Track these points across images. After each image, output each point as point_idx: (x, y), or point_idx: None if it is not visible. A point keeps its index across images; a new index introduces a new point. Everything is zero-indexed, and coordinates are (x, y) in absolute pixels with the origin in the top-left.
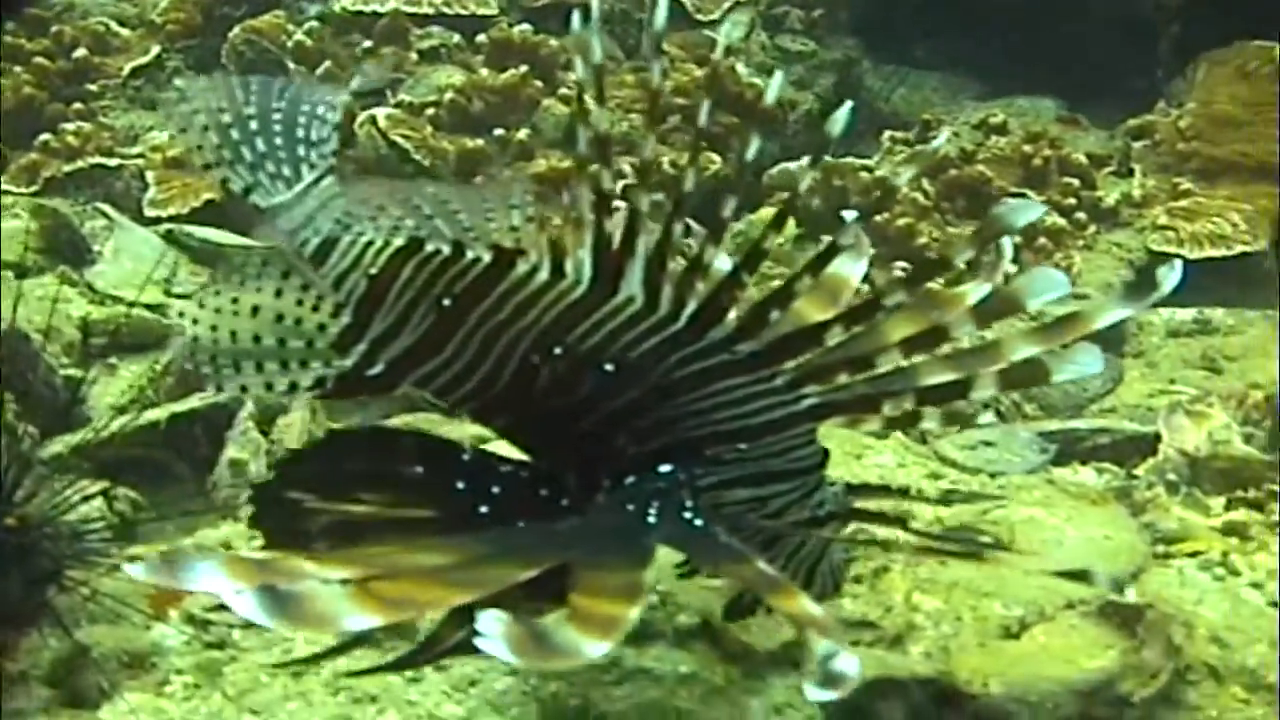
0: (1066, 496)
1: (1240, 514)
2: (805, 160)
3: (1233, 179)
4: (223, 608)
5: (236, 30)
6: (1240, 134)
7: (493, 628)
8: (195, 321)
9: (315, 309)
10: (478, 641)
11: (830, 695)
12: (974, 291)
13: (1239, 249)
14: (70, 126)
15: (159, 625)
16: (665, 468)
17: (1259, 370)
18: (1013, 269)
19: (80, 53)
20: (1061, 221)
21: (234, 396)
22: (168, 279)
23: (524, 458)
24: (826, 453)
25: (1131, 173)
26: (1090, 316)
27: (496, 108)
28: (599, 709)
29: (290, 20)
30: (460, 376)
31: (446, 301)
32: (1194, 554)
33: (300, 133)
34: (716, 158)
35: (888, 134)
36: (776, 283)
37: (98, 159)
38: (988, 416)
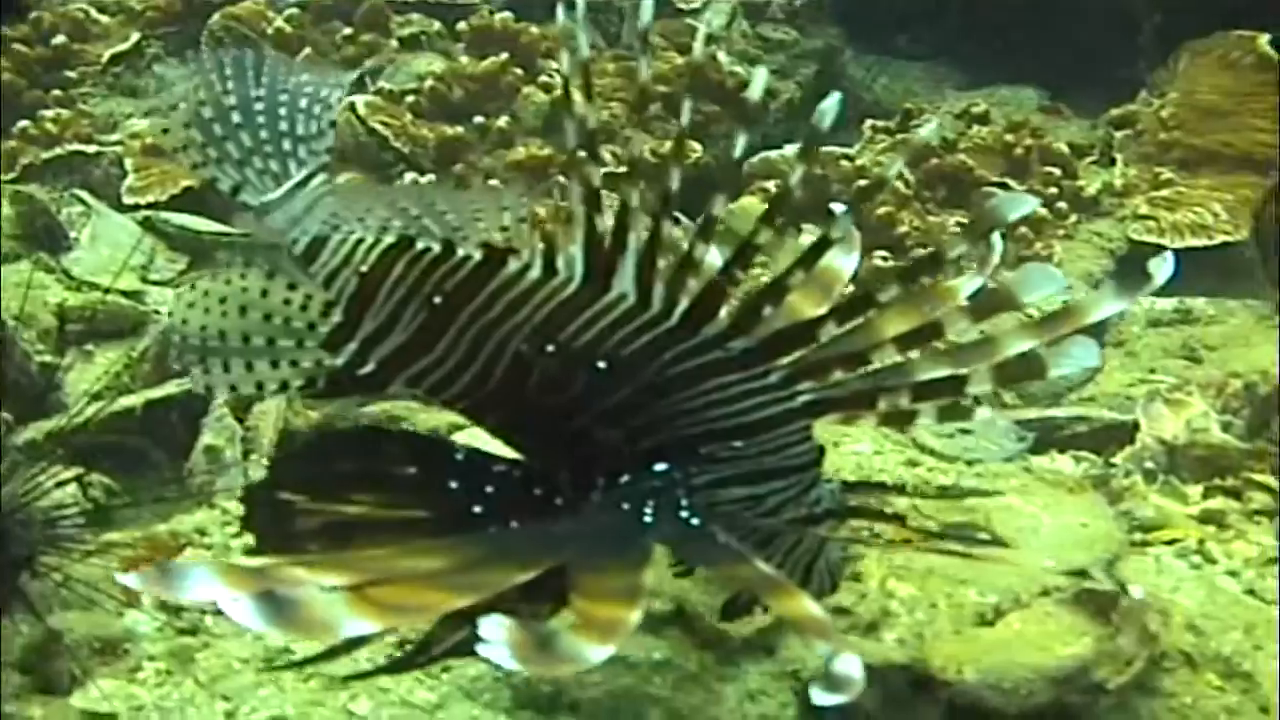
0: (1043, 484)
1: (1217, 502)
2: (788, 149)
3: (1214, 169)
4: None
5: (216, 17)
6: (1222, 124)
7: (495, 633)
8: (184, 321)
9: (304, 307)
10: (480, 648)
11: (837, 699)
12: (967, 284)
13: (1220, 239)
14: (49, 113)
15: (131, 611)
16: (660, 466)
17: (1239, 360)
18: (997, 259)
19: (59, 39)
20: (1042, 211)
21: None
22: (145, 266)
23: (517, 457)
24: (822, 450)
25: (1113, 162)
26: (1084, 310)
27: (477, 95)
28: (572, 695)
29: (270, 7)
30: (452, 375)
31: (437, 299)
32: (1171, 542)
33: (290, 125)
34: (698, 146)
35: (869, 123)
36: (766, 277)
37: (76, 146)
38: (983, 412)
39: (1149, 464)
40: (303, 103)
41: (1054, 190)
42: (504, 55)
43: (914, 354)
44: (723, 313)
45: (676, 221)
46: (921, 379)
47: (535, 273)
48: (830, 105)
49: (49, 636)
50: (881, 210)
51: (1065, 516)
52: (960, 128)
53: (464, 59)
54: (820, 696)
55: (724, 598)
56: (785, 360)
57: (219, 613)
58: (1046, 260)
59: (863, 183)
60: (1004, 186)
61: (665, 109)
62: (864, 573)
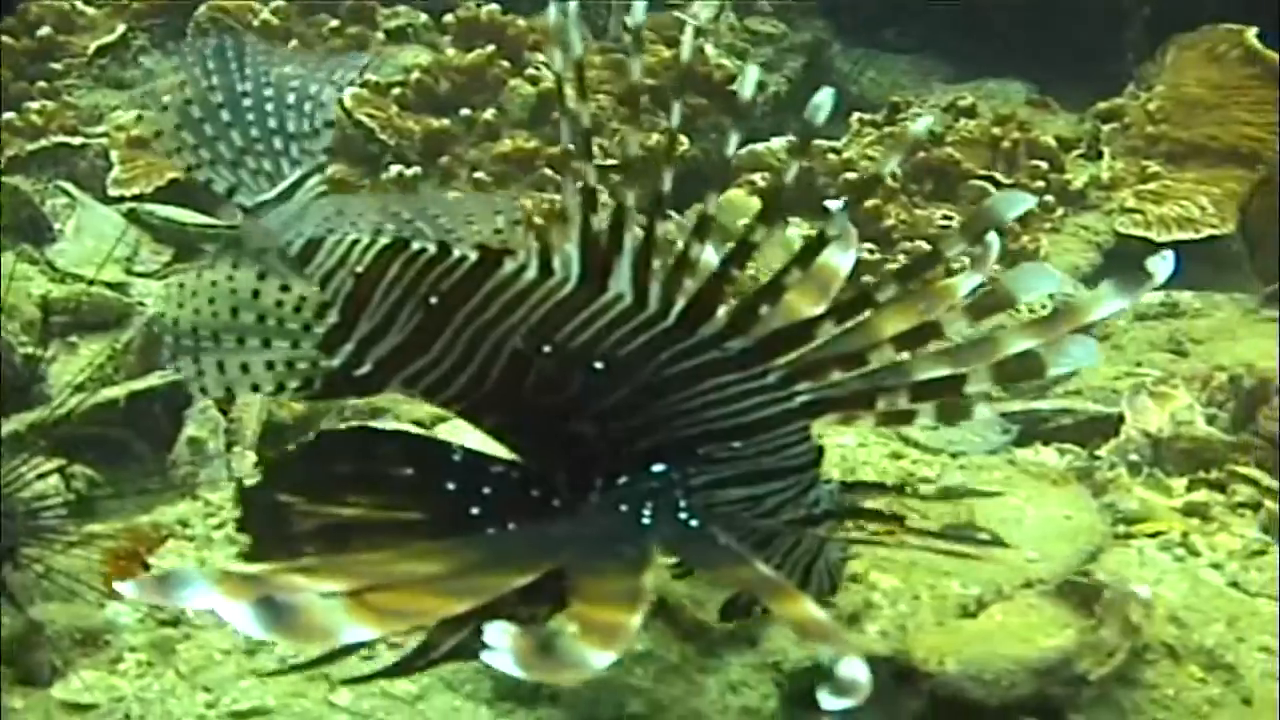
0: (1027, 477)
1: (1201, 495)
2: (775, 143)
3: (1201, 162)
4: None
5: (202, 8)
6: (1209, 117)
7: (500, 640)
8: (175, 323)
9: (298, 309)
10: (484, 655)
11: (845, 703)
12: (965, 282)
13: (1207, 232)
14: (34, 105)
15: (113, 603)
16: (658, 467)
17: (1225, 353)
18: (994, 257)
19: (45, 31)
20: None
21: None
22: (129, 257)
23: (515, 458)
24: (821, 450)
25: (1100, 155)
26: (1085, 308)
27: (463, 87)
28: (552, 687)
29: None
30: (448, 376)
31: (434, 300)
32: (1154, 534)
33: (281, 122)
34: (685, 140)
35: (856, 116)
36: (756, 271)
37: (62, 138)
38: (983, 411)
39: (1133, 457)
40: (294, 98)
41: (1041, 184)
42: (490, 47)
43: (913, 353)
44: (720, 312)
45: (667, 218)
46: (921, 379)
47: (531, 273)
48: (824, 100)
49: (30, 628)
50: (869, 203)
51: (1049, 509)
52: (947, 121)
53: (450, 51)
54: (828, 701)
55: (708, 591)
56: (783, 360)
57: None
58: (1034, 254)
59: (850, 175)
60: (991, 180)
61: (653, 102)
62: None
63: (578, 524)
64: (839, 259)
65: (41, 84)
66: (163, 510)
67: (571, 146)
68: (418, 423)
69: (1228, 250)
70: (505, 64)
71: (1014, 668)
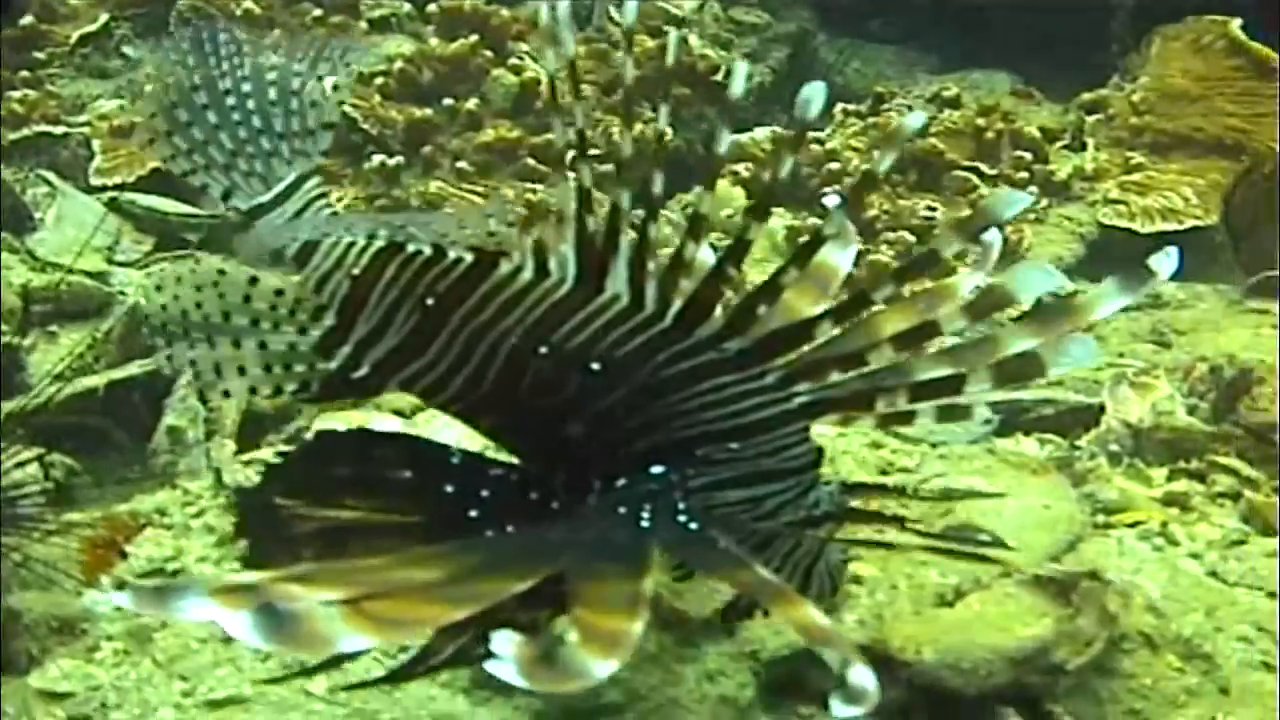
0: (1007, 466)
1: (1181, 485)
2: (759, 133)
3: (1185, 153)
4: (155, 574)
5: None
6: (1193, 108)
7: (505, 649)
8: (169, 325)
9: (293, 312)
10: (489, 664)
11: (855, 711)
12: (966, 281)
13: (1191, 223)
14: (16, 94)
15: (90, 591)
16: (656, 469)
17: (1208, 344)
18: (996, 256)
19: (27, 20)
20: (1002, 190)
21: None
22: (110, 247)
23: (513, 460)
24: (820, 451)
25: (1084, 146)
26: (1087, 307)
27: (446, 77)
28: None
29: None
30: (445, 377)
31: (430, 302)
32: (1134, 524)
33: (268, 120)
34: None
35: (840, 107)
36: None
37: (44, 127)
38: (983, 412)
39: (1114, 447)
40: (281, 92)
41: (1024, 174)
42: (474, 37)
43: (914, 353)
44: (718, 312)
45: (659, 218)
46: (920, 379)
47: (527, 274)
48: (818, 96)
49: (7, 616)
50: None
51: (1028, 498)
52: (932, 112)
53: (433, 41)
54: (840, 709)
55: (689, 583)
56: (782, 361)
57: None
58: (1018, 245)
59: (833, 165)
60: (975, 171)
61: (639, 93)
62: None
63: (576, 527)
64: (838, 257)
65: (24, 73)
66: (141, 499)
67: (566, 146)
68: (398, 412)
69: (1211, 241)
70: (488, 54)
71: (991, 657)
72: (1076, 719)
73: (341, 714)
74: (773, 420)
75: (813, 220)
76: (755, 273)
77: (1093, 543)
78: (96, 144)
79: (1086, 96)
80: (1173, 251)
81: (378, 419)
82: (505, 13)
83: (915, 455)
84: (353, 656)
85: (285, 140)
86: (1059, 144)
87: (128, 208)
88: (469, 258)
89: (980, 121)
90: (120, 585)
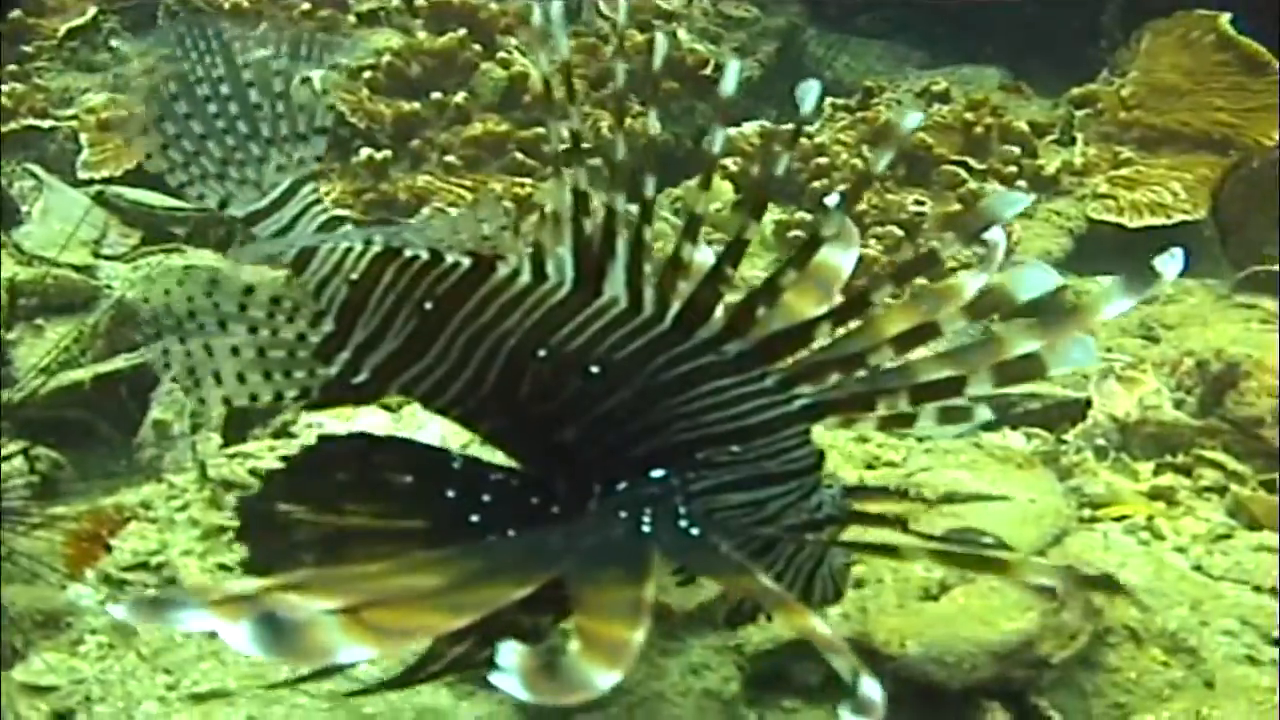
0: (993, 460)
1: (1168, 479)
2: (747, 127)
3: (1174, 148)
4: (139, 568)
5: None
6: (1182, 103)
7: (509, 660)
8: (166, 338)
9: (291, 319)
10: (493, 676)
11: None
12: (970, 282)
13: (1179, 218)
14: (4, 88)
15: (74, 585)
16: (657, 473)
17: (1196, 338)
18: (1001, 256)
19: (15, 13)
20: (1001, 190)
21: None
22: (97, 240)
23: (514, 465)
24: (822, 454)
25: (1073, 141)
26: (1091, 309)
27: (434, 71)
28: None
29: None
30: (444, 382)
31: (428, 306)
32: (1120, 518)
33: (256, 124)
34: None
35: (829, 101)
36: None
37: (32, 121)
38: (984, 413)
39: (1100, 441)
40: (272, 92)
41: (1013, 169)
42: (462, 31)
43: (917, 356)
44: (719, 314)
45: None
46: (921, 380)
47: (525, 278)
48: (812, 92)
49: None
50: (840, 188)
51: (1014, 492)
52: (921, 106)
53: (422, 34)
54: (849, 719)
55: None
56: (782, 363)
57: (162, 585)
58: (1006, 239)
59: (822, 160)
60: (964, 165)
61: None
62: None
63: (577, 532)
64: (840, 258)
65: (12, 66)
66: (127, 493)
67: (560, 148)
68: (385, 406)
69: (1200, 236)
70: (477, 47)
71: (975, 650)
72: (1061, 713)
73: (325, 707)
74: (773, 423)
75: (800, 215)
76: (743, 267)
77: (1078, 537)
78: (84, 138)
79: (1076, 91)
80: (1178, 253)
81: (364, 414)
82: (494, 6)
83: (901, 449)
84: (351, 665)
85: (278, 145)
86: (1048, 138)
87: (115, 201)
88: (466, 262)
89: (969, 116)
90: (105, 579)
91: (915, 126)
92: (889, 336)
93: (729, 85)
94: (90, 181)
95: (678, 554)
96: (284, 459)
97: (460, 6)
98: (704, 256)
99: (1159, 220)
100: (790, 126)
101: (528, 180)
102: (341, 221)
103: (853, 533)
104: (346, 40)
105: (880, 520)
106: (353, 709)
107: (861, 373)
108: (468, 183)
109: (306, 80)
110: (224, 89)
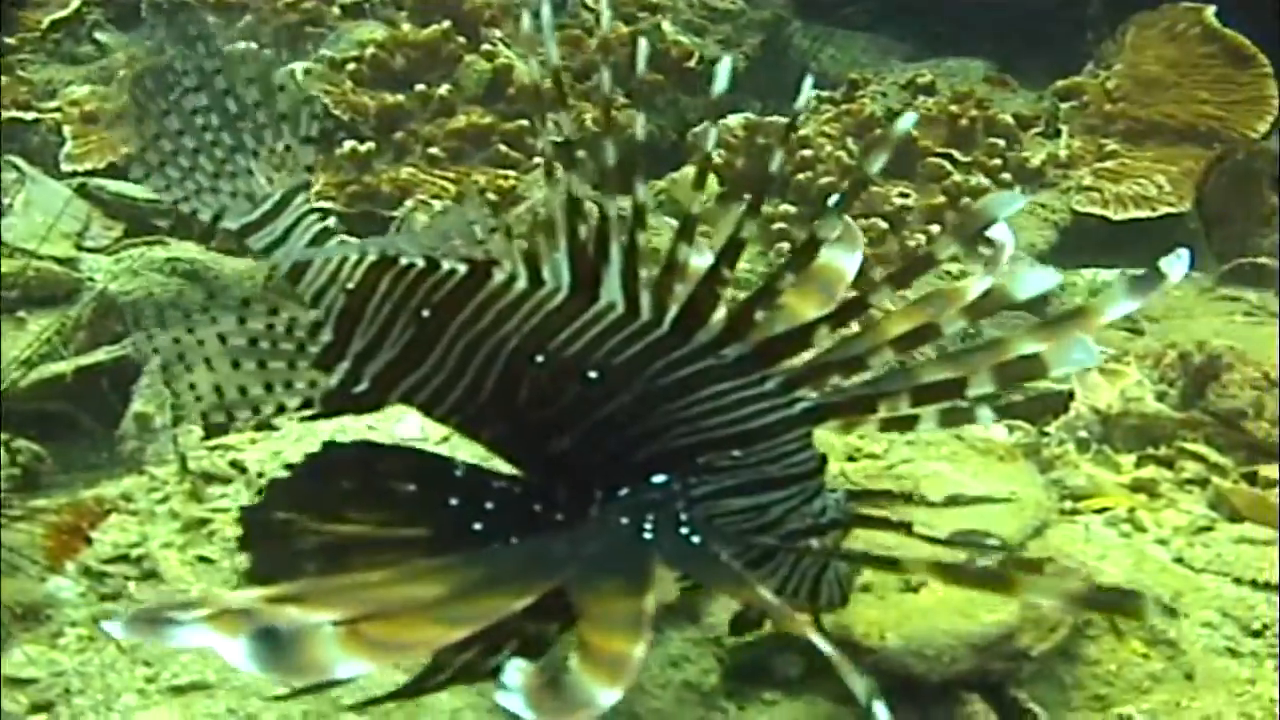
0: (974, 452)
1: (1149, 471)
2: (732, 120)
3: (1159, 140)
4: (119, 560)
5: None
6: (1167, 96)
7: (514, 679)
8: (162, 352)
9: (289, 329)
10: (498, 695)
11: None
12: (975, 285)
13: (1164, 210)
14: None
15: (54, 577)
16: (658, 478)
17: (1180, 331)
18: (1006, 257)
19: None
20: (986, 182)
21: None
22: (80, 233)
23: (516, 472)
24: (824, 457)
25: (1058, 133)
26: (1096, 310)
27: (418, 63)
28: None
29: None
30: (443, 390)
31: (425, 313)
32: (1101, 510)
33: (239, 133)
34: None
35: (815, 93)
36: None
37: (14, 113)
38: (985, 413)
39: (1082, 433)
40: (270, 100)
41: (998, 161)
42: (446, 23)
43: (919, 357)
44: (718, 317)
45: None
46: (923, 382)
47: (522, 283)
48: (806, 89)
49: None
50: (824, 180)
51: (995, 484)
52: (906, 98)
53: (406, 27)
54: None
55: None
56: (782, 366)
57: (143, 579)
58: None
59: (806, 152)
60: (949, 158)
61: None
62: None
63: (579, 540)
64: (843, 260)
65: None
66: (108, 485)
67: (552, 153)
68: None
69: (1185, 228)
70: (461, 40)
71: (955, 643)
72: (1041, 705)
73: (304, 699)
74: (775, 426)
75: (785, 207)
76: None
77: (1060, 529)
78: (67, 130)
79: (1061, 83)
80: (1184, 253)
81: None
82: None
83: (883, 441)
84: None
85: (267, 156)
86: (1033, 131)
87: (97, 193)
88: (462, 268)
89: (954, 108)
90: (85, 571)
91: (909, 129)
92: (890, 338)
93: (720, 84)
94: (73, 174)
95: (679, 562)
96: (287, 467)
97: None
98: (700, 259)
99: (1144, 213)
100: (776, 119)
101: (511, 173)
102: (334, 233)
103: (856, 538)
104: (330, 32)
105: (884, 524)
106: (329, 701)
107: (863, 375)
108: (451, 175)
109: (292, 75)
110: (211, 92)
